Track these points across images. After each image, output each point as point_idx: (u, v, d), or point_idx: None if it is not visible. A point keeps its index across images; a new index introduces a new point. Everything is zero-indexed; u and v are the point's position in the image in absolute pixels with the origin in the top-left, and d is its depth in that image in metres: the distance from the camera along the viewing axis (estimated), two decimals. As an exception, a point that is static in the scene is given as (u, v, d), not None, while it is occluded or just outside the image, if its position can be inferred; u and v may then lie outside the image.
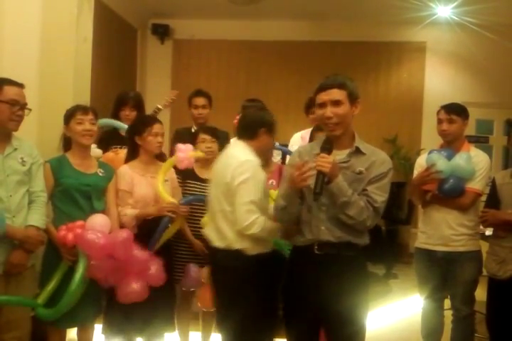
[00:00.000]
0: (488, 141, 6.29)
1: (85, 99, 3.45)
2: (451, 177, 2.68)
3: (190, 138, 3.06)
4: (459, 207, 2.73)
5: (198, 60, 6.47)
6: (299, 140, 3.74)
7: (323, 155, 1.90)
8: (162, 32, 6.29)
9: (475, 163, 2.71)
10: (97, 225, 2.44)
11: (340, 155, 1.99)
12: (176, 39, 6.48)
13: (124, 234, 2.41)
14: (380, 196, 1.95)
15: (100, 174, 2.66)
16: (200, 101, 3.58)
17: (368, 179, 1.97)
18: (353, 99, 1.97)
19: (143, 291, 2.45)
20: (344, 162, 1.99)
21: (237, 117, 3.95)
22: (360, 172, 1.96)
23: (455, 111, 2.76)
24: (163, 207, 2.58)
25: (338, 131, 1.99)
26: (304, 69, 6.18)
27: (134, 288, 2.42)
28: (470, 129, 6.40)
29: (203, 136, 2.98)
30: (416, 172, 2.90)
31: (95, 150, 3.01)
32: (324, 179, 1.88)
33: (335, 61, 6.03)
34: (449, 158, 2.71)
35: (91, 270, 2.38)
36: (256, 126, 2.35)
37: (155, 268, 2.49)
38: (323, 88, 1.96)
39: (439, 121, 2.80)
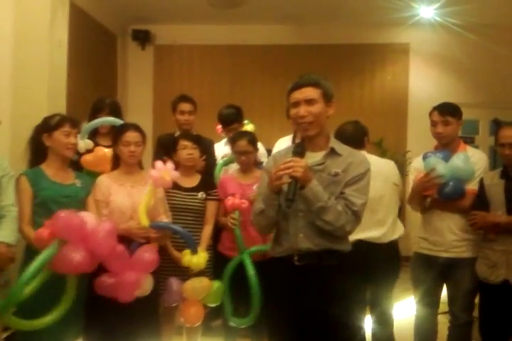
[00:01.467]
0: (474, 141, 6.27)
1: (61, 107, 3.34)
2: (451, 180, 2.60)
3: (174, 146, 2.96)
4: (459, 210, 2.65)
5: (180, 66, 6.38)
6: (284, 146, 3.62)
7: (294, 159, 1.83)
8: (143, 38, 6.20)
9: (473, 163, 2.64)
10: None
11: (315, 157, 1.93)
12: (157, 45, 6.38)
13: (107, 225, 2.25)
14: (358, 198, 1.87)
15: (78, 185, 2.56)
16: (186, 106, 3.47)
17: (345, 181, 1.89)
18: (327, 98, 1.91)
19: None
20: (319, 164, 1.92)
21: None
22: (336, 174, 1.89)
23: (449, 112, 2.68)
24: (133, 232, 2.47)
25: (312, 131, 1.92)
26: (288, 73, 5.87)
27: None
28: (456, 130, 6.40)
29: (183, 143, 2.88)
30: (412, 177, 2.81)
31: (86, 142, 2.88)
32: (297, 184, 1.80)
33: (319, 64, 5.97)
34: (446, 159, 2.63)
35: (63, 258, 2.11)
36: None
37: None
38: (296, 87, 1.91)
39: (433, 123, 2.71)
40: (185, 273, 2.68)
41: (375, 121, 6.12)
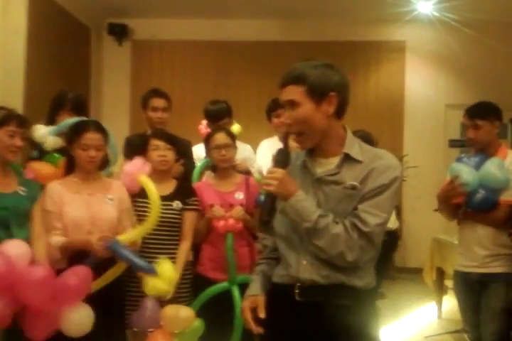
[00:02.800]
0: None
1: (15, 100, 2.90)
2: (481, 189, 2.32)
3: (145, 146, 2.54)
4: (493, 223, 2.37)
5: (160, 63, 6.11)
6: (266, 150, 3.25)
7: (270, 169, 1.48)
8: (119, 32, 5.92)
9: (509, 171, 2.35)
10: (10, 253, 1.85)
11: (327, 164, 1.50)
12: (135, 40, 6.13)
13: (40, 271, 1.81)
14: (373, 217, 1.42)
15: (21, 193, 2.12)
16: (159, 102, 3.06)
17: (362, 194, 1.46)
18: (317, 94, 1.45)
19: None
20: (331, 175, 1.48)
21: (202, 123, 3.60)
22: (353, 188, 1.45)
23: (479, 114, 2.41)
24: (95, 247, 2.05)
25: (305, 144, 1.51)
26: (276, 71, 5.60)
27: None
28: (454, 133, 6.12)
29: (155, 142, 2.47)
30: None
31: (55, 139, 2.46)
32: (274, 201, 1.45)
33: None
34: (480, 165, 2.36)
35: None
36: None
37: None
38: (279, 86, 1.51)
39: (465, 128, 2.48)
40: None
41: (369, 123, 5.87)
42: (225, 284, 2.46)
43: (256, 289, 1.57)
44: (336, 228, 1.40)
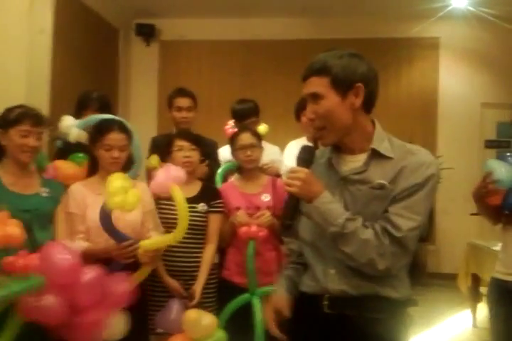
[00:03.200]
0: (510, 146, 5.79)
1: (42, 100, 2.91)
2: None
3: (169, 147, 2.48)
4: None
5: (187, 63, 6.06)
6: (294, 150, 3.16)
7: (293, 168, 1.36)
8: (147, 33, 5.90)
9: None
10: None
11: (354, 162, 1.38)
12: (162, 40, 6.10)
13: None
14: (407, 220, 1.29)
15: (44, 194, 2.08)
16: (184, 102, 3.02)
17: (393, 195, 1.33)
18: (342, 85, 1.34)
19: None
20: (357, 173, 1.36)
21: (229, 123, 3.53)
22: (381, 187, 1.32)
23: None
24: (114, 253, 1.99)
25: (327, 140, 1.39)
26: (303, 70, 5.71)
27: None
28: (490, 133, 5.89)
29: (179, 143, 2.40)
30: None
31: (81, 133, 2.42)
32: (297, 203, 1.33)
33: None
34: None
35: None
36: None
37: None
38: (302, 78, 1.40)
39: None
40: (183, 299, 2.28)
41: (402, 123, 5.77)
42: (246, 295, 2.38)
43: (281, 291, 1.47)
44: (366, 233, 1.29)
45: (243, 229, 2.35)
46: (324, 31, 5.79)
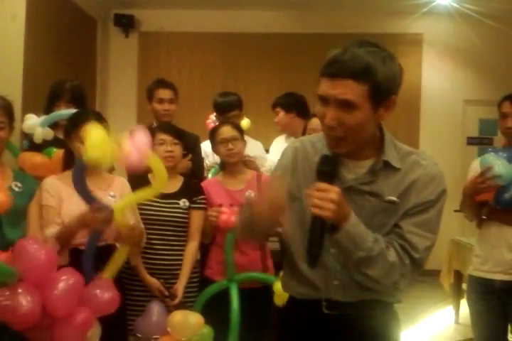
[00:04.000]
0: (492, 143, 5.84)
1: (15, 91, 2.76)
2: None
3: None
4: None
5: (167, 56, 5.95)
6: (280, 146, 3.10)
7: (320, 186, 1.14)
8: (126, 23, 5.75)
9: None
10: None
11: (356, 168, 1.26)
12: (142, 31, 5.96)
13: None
14: (422, 239, 1.22)
15: (16, 189, 1.96)
16: (166, 93, 2.91)
17: (403, 210, 1.24)
18: (379, 98, 1.16)
19: None
20: (365, 183, 1.25)
21: (210, 117, 3.45)
22: (391, 202, 1.23)
23: None
24: (87, 217, 1.86)
25: (342, 149, 1.22)
26: (287, 64, 5.76)
27: None
28: (473, 130, 5.92)
29: (161, 137, 2.32)
30: (469, 178, 2.37)
31: (46, 130, 2.33)
32: (324, 226, 1.15)
33: (322, 55, 5.40)
34: (510, 160, 2.17)
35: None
36: None
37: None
38: (329, 73, 1.16)
39: (503, 116, 2.29)
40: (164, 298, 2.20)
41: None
42: (224, 282, 2.33)
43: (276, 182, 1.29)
44: (391, 255, 1.19)
45: (222, 218, 2.26)
46: (308, 25, 5.74)
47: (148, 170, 2.39)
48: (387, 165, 1.25)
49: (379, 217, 1.23)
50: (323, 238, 1.15)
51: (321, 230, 1.15)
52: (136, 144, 1.87)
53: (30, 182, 2.02)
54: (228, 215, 2.25)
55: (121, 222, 1.89)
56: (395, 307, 1.37)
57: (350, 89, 1.13)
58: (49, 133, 2.37)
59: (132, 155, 1.85)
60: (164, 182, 1.95)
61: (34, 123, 2.32)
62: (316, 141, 1.33)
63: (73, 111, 2.29)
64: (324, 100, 1.17)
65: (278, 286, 2.17)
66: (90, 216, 1.84)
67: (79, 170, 1.87)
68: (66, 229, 1.91)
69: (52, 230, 1.92)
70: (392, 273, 1.19)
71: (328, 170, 1.19)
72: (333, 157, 1.22)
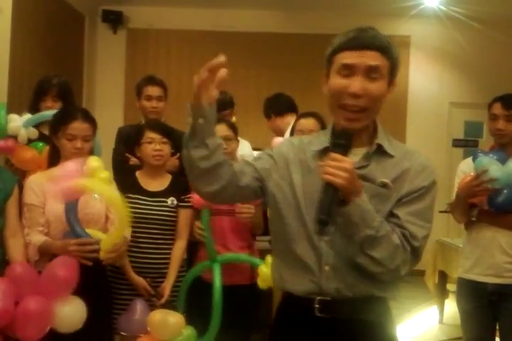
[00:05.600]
0: (477, 145, 5.88)
1: (0, 85, 2.70)
2: (506, 188, 2.15)
3: (138, 139, 2.36)
4: (510, 227, 2.20)
5: (156, 53, 5.94)
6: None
7: (335, 156, 1.18)
8: (114, 20, 5.74)
9: None
10: None
11: (353, 156, 1.28)
12: (130, 28, 5.94)
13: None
14: (420, 228, 1.24)
15: None
16: (154, 90, 2.87)
17: (397, 197, 1.26)
18: (393, 74, 1.28)
19: None
20: (359, 167, 1.26)
21: None
22: (384, 186, 1.25)
23: None
24: (71, 249, 1.86)
25: (362, 123, 1.26)
26: (276, 64, 5.78)
27: None
28: (458, 132, 5.98)
29: (150, 135, 2.28)
30: (457, 179, 2.38)
31: (30, 130, 2.29)
32: (335, 197, 1.16)
33: (311, 55, 5.56)
34: (501, 162, 2.18)
35: None
36: None
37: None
38: (354, 45, 1.23)
39: (493, 117, 2.29)
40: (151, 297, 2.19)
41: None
42: (206, 262, 2.30)
43: None
44: (396, 238, 1.21)
45: (195, 197, 2.19)
46: (296, 25, 5.77)
47: (136, 168, 2.40)
48: (380, 151, 1.28)
49: (372, 202, 1.23)
50: (332, 208, 1.16)
51: (332, 199, 1.16)
52: (66, 172, 1.87)
53: (9, 179, 1.97)
54: None
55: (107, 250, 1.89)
56: (390, 308, 1.33)
57: (378, 60, 1.23)
58: (33, 133, 2.34)
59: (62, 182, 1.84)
60: (124, 227, 1.93)
61: (17, 125, 2.27)
62: (308, 141, 1.37)
63: (48, 113, 2.26)
64: (350, 69, 1.23)
65: (263, 269, 2.17)
66: (74, 248, 1.85)
67: (72, 205, 1.86)
68: (48, 246, 1.91)
69: (39, 238, 1.91)
70: (396, 256, 1.20)
71: (343, 143, 1.22)
72: (349, 131, 1.25)
